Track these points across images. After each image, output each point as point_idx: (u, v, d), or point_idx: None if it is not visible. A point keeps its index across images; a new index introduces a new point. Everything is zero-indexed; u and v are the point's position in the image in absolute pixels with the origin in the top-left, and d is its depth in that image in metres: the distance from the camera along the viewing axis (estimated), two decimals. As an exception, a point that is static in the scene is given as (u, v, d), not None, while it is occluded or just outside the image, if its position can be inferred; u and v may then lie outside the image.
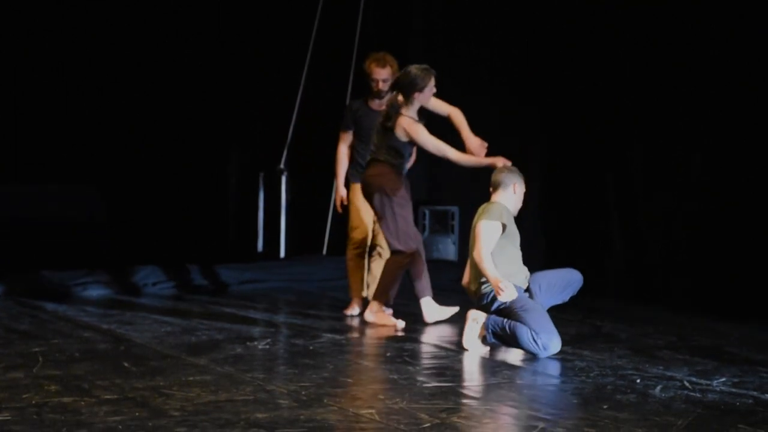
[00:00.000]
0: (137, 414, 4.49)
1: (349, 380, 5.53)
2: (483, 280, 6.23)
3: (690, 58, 8.56)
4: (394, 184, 7.08)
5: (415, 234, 7.18)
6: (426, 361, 5.92)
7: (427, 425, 4.38)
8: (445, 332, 6.94)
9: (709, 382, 5.34)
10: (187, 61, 12.07)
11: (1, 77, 11.94)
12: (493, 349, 6.20)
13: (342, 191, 7.75)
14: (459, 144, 7.10)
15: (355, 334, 7.02)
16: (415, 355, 6.04)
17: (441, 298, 7.41)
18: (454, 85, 10.51)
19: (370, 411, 4.63)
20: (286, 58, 11.13)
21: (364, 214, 7.65)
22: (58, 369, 5.44)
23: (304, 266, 9.97)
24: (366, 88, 7.68)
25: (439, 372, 5.66)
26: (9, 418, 4.39)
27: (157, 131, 12.31)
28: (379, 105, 7.55)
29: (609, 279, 9.25)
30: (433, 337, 6.80)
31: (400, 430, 4.31)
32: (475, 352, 6.14)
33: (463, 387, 5.39)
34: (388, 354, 6.17)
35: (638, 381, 5.36)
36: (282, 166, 10.78)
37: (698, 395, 5.06)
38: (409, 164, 7.34)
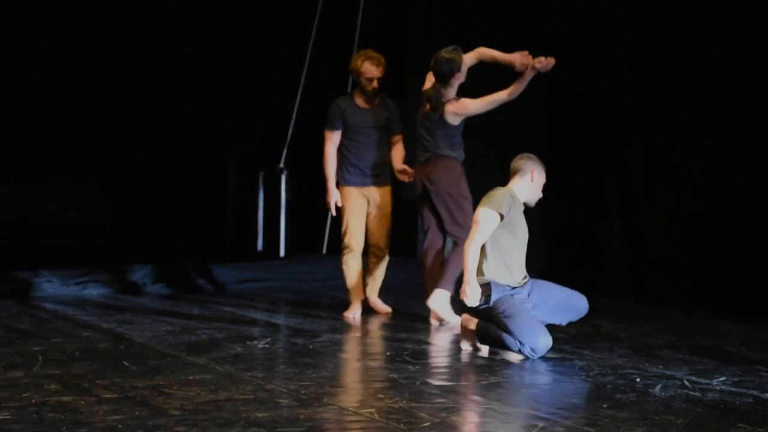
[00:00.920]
0: (137, 413, 4.49)
1: (349, 379, 5.54)
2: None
3: (690, 58, 8.55)
4: (460, 177, 7.09)
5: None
6: (426, 361, 5.92)
7: (426, 425, 4.38)
8: (445, 332, 6.93)
9: (708, 382, 5.34)
10: (187, 61, 12.07)
11: (1, 77, 11.93)
12: (492, 348, 6.19)
13: (335, 193, 7.55)
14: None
15: (355, 334, 7.02)
16: (415, 355, 6.04)
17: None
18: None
19: (369, 410, 4.63)
20: (286, 58, 11.13)
21: (358, 218, 7.55)
22: (58, 368, 5.44)
23: (304, 266, 9.97)
24: (352, 86, 7.52)
25: (439, 371, 5.66)
26: (9, 417, 4.39)
27: (157, 131, 12.31)
28: (367, 103, 7.50)
29: (609, 279, 9.24)
30: (432, 337, 6.80)
31: (400, 430, 4.30)
32: (473, 352, 6.14)
33: (463, 386, 5.39)
34: (388, 353, 6.17)
35: (638, 380, 5.36)
36: (282, 165, 10.77)
37: (698, 394, 5.06)
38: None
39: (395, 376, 5.43)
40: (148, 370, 5.45)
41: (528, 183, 6.24)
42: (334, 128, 7.55)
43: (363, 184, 7.55)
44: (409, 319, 7.46)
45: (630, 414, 4.62)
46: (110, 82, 12.27)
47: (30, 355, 5.80)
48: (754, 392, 5.13)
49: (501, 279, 6.08)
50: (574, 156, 9.51)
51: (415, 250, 10.54)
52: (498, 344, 6.01)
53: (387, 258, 7.67)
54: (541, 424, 4.42)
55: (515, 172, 6.26)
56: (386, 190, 7.62)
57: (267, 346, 6.35)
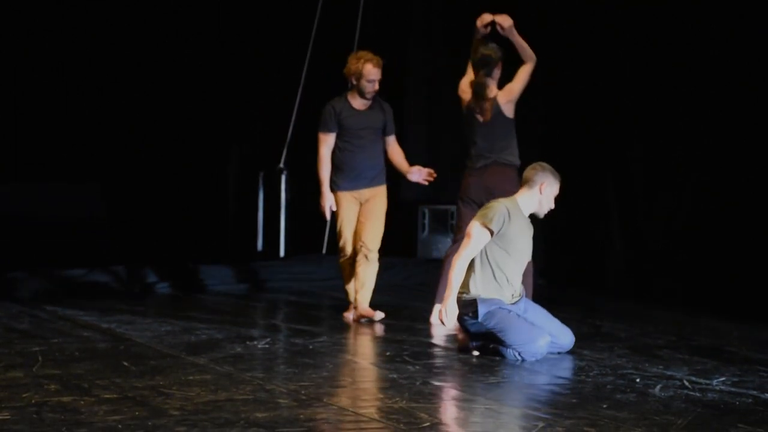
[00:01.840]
0: (137, 413, 4.49)
1: (349, 379, 5.54)
2: (462, 290, 6.04)
3: (690, 58, 8.55)
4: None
5: None
6: (426, 361, 5.92)
7: (426, 425, 4.38)
8: (445, 332, 6.93)
9: (708, 382, 5.34)
10: (187, 61, 12.07)
11: (1, 77, 11.93)
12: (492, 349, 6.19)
13: (330, 197, 7.38)
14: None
15: (355, 334, 7.02)
16: (415, 355, 6.03)
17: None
18: (454, 84, 10.54)
19: (369, 410, 4.64)
20: (286, 58, 11.13)
21: (350, 224, 7.41)
22: (57, 368, 5.44)
23: (304, 266, 9.97)
24: (345, 87, 7.38)
25: (439, 372, 5.66)
26: (9, 417, 4.39)
27: (157, 131, 12.31)
28: (363, 104, 7.38)
29: (609, 279, 9.25)
30: (432, 337, 6.80)
31: (400, 430, 4.30)
32: (472, 353, 6.13)
33: (463, 387, 5.38)
34: (388, 353, 6.16)
35: (638, 380, 5.36)
36: (282, 165, 10.77)
37: (698, 394, 5.06)
38: None
39: (395, 376, 5.43)
40: (148, 370, 5.45)
41: (536, 195, 6.12)
42: (328, 130, 7.38)
43: (355, 188, 7.40)
44: (409, 319, 7.45)
45: (630, 414, 4.62)
46: (110, 82, 12.27)
47: (30, 355, 5.80)
48: (754, 392, 5.13)
49: (489, 295, 6.03)
50: (574, 156, 9.51)
51: (414, 250, 10.56)
52: (498, 353, 6.00)
53: (377, 263, 7.43)
54: (540, 424, 4.42)
55: (525, 182, 6.16)
56: (381, 191, 7.46)
57: (267, 346, 6.35)
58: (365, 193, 7.44)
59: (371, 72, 7.27)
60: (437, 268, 9.72)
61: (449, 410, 4.80)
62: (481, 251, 6.02)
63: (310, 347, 6.27)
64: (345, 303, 7.73)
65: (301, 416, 4.48)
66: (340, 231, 7.47)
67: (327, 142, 7.40)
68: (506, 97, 7.12)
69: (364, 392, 5.22)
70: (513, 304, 6.07)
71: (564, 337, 6.12)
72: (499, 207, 6.04)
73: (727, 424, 4.50)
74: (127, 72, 12.23)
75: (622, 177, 9.19)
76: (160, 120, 12.29)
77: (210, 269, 9.34)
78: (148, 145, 12.34)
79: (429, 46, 10.77)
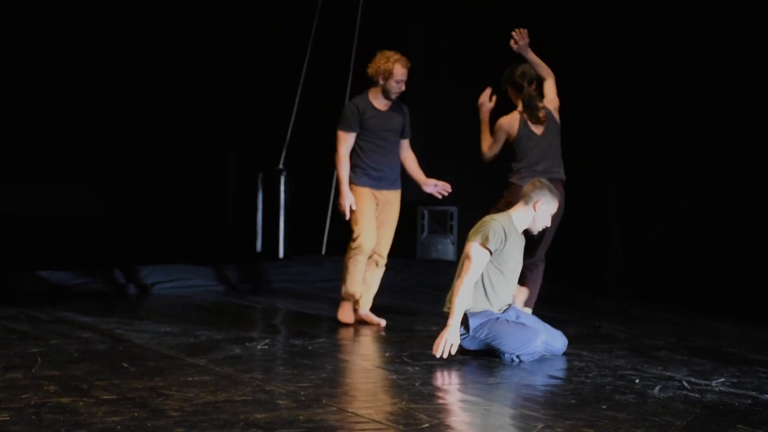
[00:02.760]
0: (136, 414, 4.49)
1: (348, 380, 5.54)
2: (450, 306, 5.99)
3: (690, 58, 8.55)
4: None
5: None
6: (425, 362, 5.91)
7: (426, 425, 4.38)
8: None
9: (707, 383, 5.34)
10: (187, 62, 12.06)
11: (1, 77, 11.93)
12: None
13: (350, 196, 7.20)
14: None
15: (354, 335, 7.02)
16: (414, 356, 6.04)
17: (439, 298, 7.39)
18: (454, 85, 10.55)
19: (368, 411, 4.64)
20: (286, 58, 11.12)
21: (371, 219, 7.26)
22: (56, 369, 5.44)
23: (304, 266, 9.97)
24: (366, 86, 7.28)
25: (439, 372, 5.66)
26: (8, 418, 4.39)
27: (157, 131, 12.30)
28: (386, 105, 7.25)
29: (609, 279, 9.24)
30: (432, 338, 6.79)
31: (400, 430, 4.30)
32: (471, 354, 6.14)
33: (462, 387, 5.39)
34: (388, 354, 6.17)
35: (637, 381, 5.36)
36: (281, 166, 10.77)
37: (697, 395, 5.06)
38: None
39: (394, 377, 5.44)
40: (147, 371, 5.45)
41: (530, 211, 6.07)
42: (351, 130, 7.21)
43: (377, 187, 7.29)
44: (408, 320, 7.45)
45: (629, 415, 4.62)
46: (110, 82, 12.27)
47: (29, 357, 5.80)
48: (753, 393, 5.13)
49: (479, 308, 6.02)
50: (573, 156, 9.50)
51: (414, 251, 10.56)
52: (496, 355, 6.00)
53: (384, 269, 7.41)
54: (540, 425, 4.42)
55: (521, 197, 6.14)
56: (397, 196, 7.40)
57: (266, 347, 6.35)
58: (386, 194, 7.33)
59: (400, 72, 7.14)
60: (436, 269, 9.76)
61: (448, 411, 4.80)
62: None
63: (310, 348, 6.27)
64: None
65: (300, 417, 4.48)
66: (358, 225, 7.22)
67: (347, 141, 7.24)
68: (552, 105, 7.13)
69: (363, 393, 5.22)
70: (502, 311, 6.07)
71: (556, 341, 6.12)
72: (495, 225, 5.98)
73: (726, 425, 4.50)
74: (127, 72, 12.23)
75: (622, 177, 9.18)
76: (160, 121, 12.28)
77: (209, 270, 9.34)
78: (148, 145, 12.34)
79: (429, 46, 10.77)
